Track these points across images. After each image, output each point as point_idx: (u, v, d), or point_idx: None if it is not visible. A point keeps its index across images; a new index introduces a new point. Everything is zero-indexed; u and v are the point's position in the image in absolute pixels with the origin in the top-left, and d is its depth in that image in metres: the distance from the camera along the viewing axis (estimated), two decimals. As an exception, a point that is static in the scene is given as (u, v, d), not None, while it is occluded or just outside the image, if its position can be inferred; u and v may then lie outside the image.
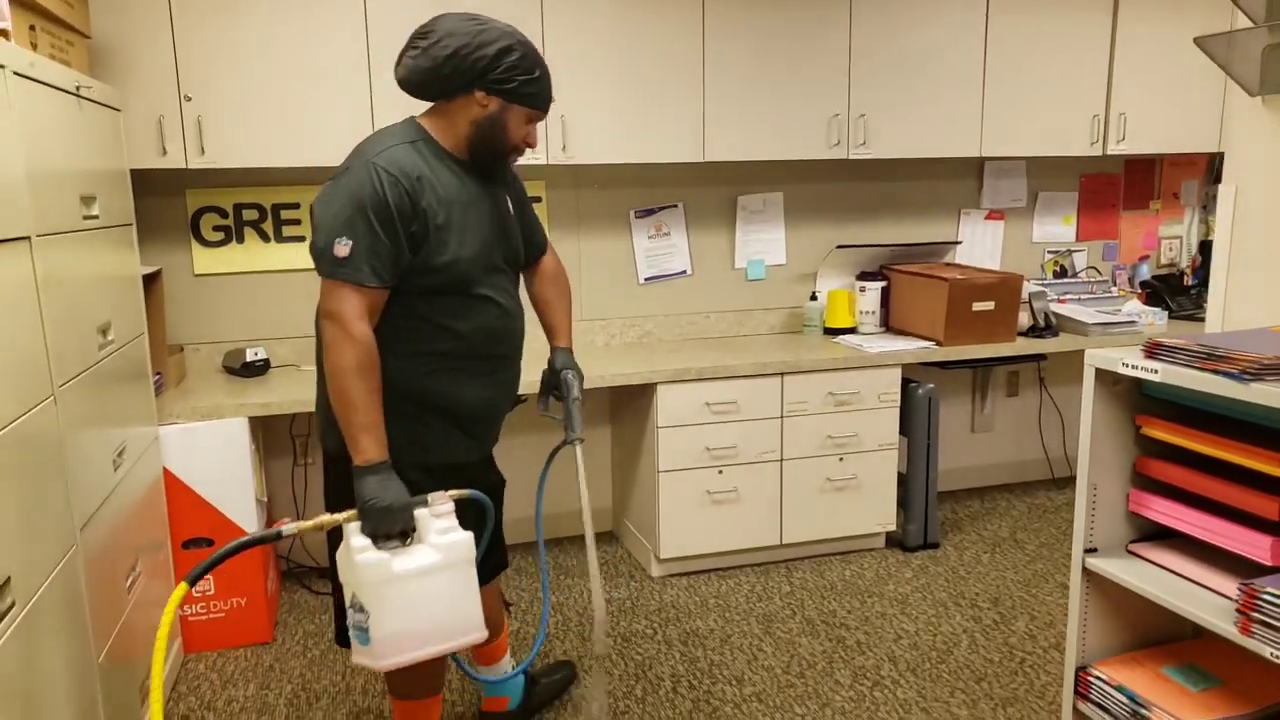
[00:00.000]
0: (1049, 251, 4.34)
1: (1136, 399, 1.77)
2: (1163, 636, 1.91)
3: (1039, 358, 3.79)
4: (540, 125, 3.21)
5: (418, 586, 1.66)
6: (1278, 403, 1.40)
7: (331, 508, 1.85)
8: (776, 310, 3.96)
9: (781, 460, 3.40)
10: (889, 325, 3.85)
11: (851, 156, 3.58)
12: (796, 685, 2.68)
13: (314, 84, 3.03)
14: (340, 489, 1.82)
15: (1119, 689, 1.75)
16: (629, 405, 3.57)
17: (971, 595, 3.23)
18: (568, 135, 3.28)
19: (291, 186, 3.38)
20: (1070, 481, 4.42)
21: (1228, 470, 1.64)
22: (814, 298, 3.89)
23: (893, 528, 3.62)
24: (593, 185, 3.69)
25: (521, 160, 3.08)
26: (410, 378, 1.85)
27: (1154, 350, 1.61)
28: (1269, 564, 1.53)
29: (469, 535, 1.76)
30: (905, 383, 3.55)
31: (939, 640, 2.92)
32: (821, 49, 3.50)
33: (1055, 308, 3.89)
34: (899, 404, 3.52)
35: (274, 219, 3.39)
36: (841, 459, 3.47)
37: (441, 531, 1.71)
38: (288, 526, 1.65)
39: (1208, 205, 4.52)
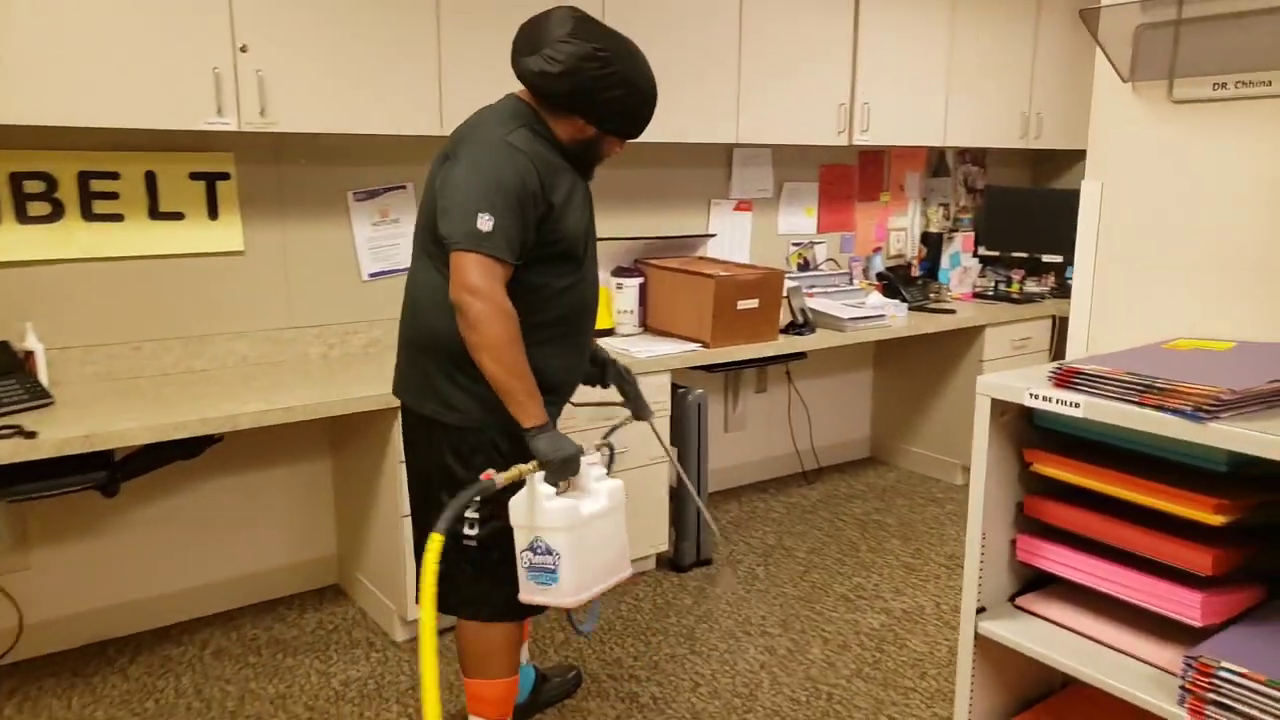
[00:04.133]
0: (793, 244, 4.24)
1: (1023, 431, 1.51)
2: (1037, 692, 1.70)
3: (799, 355, 3.64)
4: (231, 80, 2.51)
5: (596, 528, 1.84)
6: (1241, 446, 1.16)
7: (462, 476, 1.92)
8: (525, 311, 3.47)
9: (549, 489, 2.93)
10: (647, 325, 3.51)
11: (609, 137, 3.17)
12: (597, 770, 2.25)
13: None
14: (475, 457, 1.92)
15: (1019, 771, 1.50)
16: (358, 434, 2.92)
17: (758, 620, 2.98)
18: (267, 95, 2.56)
19: None
20: (820, 474, 4.37)
21: (1124, 510, 1.42)
22: (568, 296, 3.45)
23: (665, 548, 3.30)
24: (299, 160, 2.97)
25: (202, 126, 2.38)
26: None
27: (1069, 379, 1.34)
28: (1198, 624, 1.33)
29: (621, 482, 1.93)
30: (673, 388, 3.22)
31: (739, 682, 2.62)
32: (573, 12, 3.05)
33: (807, 302, 3.77)
34: (670, 412, 3.19)
35: None
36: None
37: (598, 478, 1.89)
38: (497, 476, 1.74)
39: (927, 198, 4.67)
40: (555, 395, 2.01)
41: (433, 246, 1.93)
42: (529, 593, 1.86)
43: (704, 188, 3.90)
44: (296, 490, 3.12)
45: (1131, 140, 1.57)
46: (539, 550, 1.79)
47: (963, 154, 4.75)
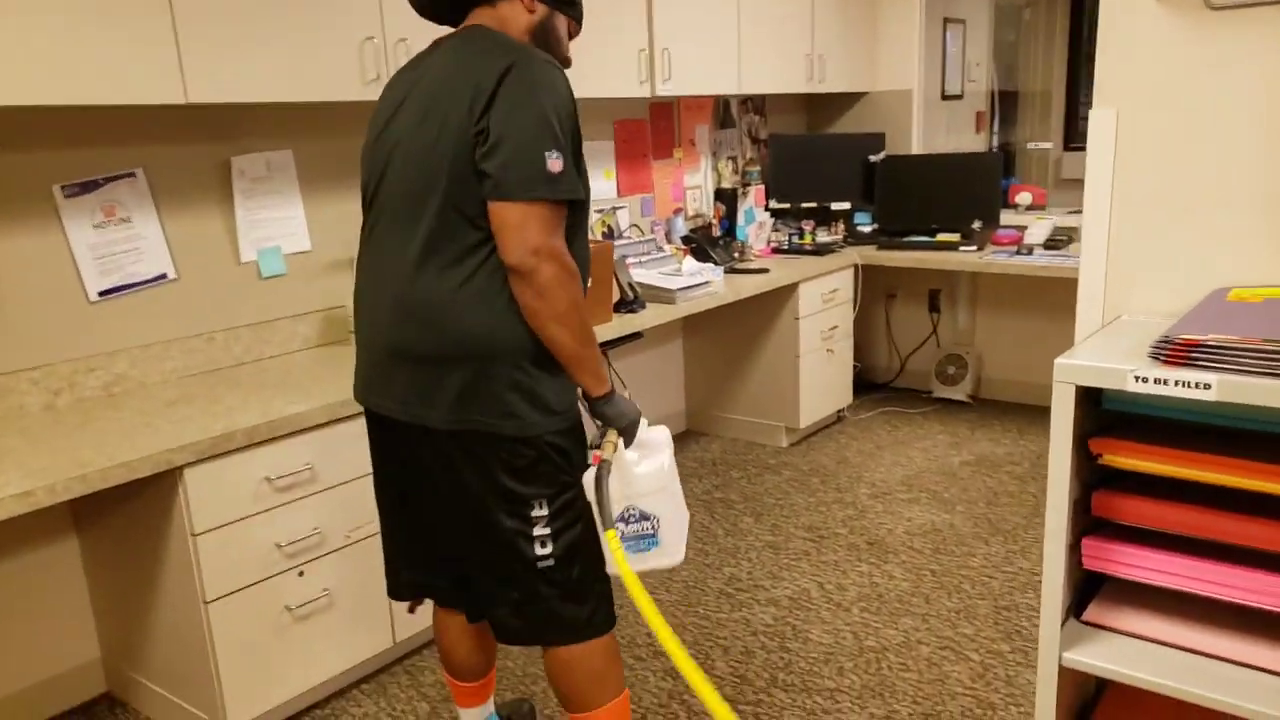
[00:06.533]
0: (596, 210, 3.87)
1: (1085, 416, 1.27)
2: (1078, 699, 1.49)
3: (635, 336, 3.30)
4: None
5: (673, 477, 1.75)
6: None
7: (523, 493, 1.66)
8: (310, 316, 2.83)
9: (392, 535, 2.39)
10: (460, 317, 3.00)
11: (402, 97, 2.61)
12: None
13: None
14: (538, 466, 1.65)
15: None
16: (120, 502, 2.20)
17: (644, 640, 2.64)
18: (-78, 51, 1.78)
19: None
20: (645, 457, 4.08)
21: (1208, 497, 1.22)
22: (366, 293, 2.86)
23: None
24: (-22, 145, 2.15)
25: None
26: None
27: (1187, 354, 1.10)
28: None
29: (664, 426, 1.83)
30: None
31: (654, 722, 2.28)
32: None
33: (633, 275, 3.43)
34: (511, 419, 2.74)
35: None
36: (456, 508, 2.58)
37: (646, 428, 1.77)
38: (605, 456, 1.65)
39: (716, 152, 4.47)
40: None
41: (456, 218, 1.56)
42: (633, 562, 1.71)
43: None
44: (30, 585, 2.34)
45: (1156, 57, 1.35)
46: (632, 519, 1.69)
47: (745, 103, 4.59)
